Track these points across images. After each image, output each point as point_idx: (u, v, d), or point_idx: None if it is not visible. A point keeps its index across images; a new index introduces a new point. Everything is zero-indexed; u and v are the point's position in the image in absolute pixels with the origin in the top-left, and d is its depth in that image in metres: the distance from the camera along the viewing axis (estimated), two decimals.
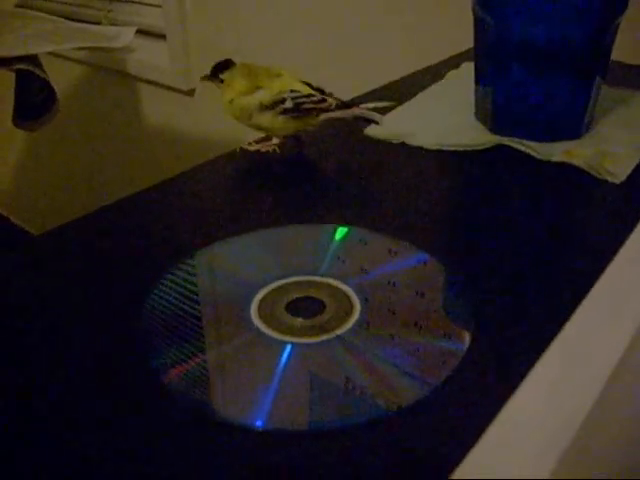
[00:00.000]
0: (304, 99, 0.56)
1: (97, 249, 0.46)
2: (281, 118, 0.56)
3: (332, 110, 0.57)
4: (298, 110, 0.56)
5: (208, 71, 0.59)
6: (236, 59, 0.58)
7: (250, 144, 0.59)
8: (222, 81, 0.58)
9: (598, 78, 0.59)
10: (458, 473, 0.24)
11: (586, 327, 0.32)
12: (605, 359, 0.29)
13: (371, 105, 0.57)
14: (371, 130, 0.63)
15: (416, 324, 0.38)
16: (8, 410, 0.33)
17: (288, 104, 0.56)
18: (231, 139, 1.31)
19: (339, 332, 0.37)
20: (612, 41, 0.59)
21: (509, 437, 0.26)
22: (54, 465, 0.30)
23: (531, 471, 0.24)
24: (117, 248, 0.46)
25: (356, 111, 0.57)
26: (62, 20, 1.07)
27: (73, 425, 0.32)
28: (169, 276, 0.43)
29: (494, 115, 0.62)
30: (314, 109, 0.56)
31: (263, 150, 0.59)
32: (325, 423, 0.32)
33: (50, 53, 1.04)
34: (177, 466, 0.30)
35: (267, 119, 0.56)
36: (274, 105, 0.56)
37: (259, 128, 0.58)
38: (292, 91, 0.56)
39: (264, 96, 0.56)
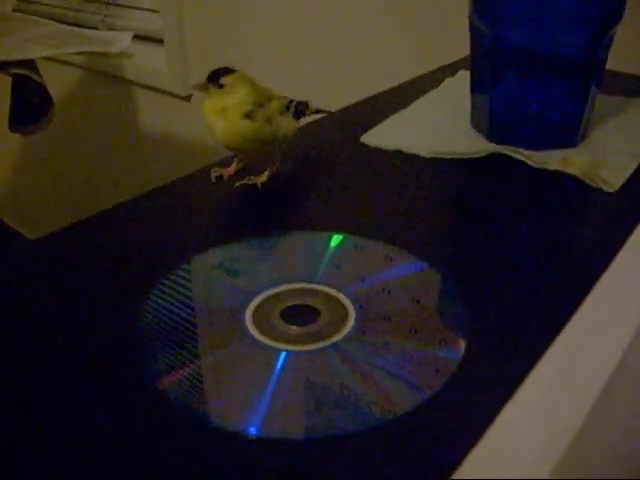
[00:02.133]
0: (296, 102, 0.57)
1: (93, 255, 0.46)
2: (294, 121, 0.57)
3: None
4: (298, 114, 0.57)
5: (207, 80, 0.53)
6: (234, 64, 0.55)
7: (250, 179, 0.55)
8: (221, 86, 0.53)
9: (594, 87, 0.59)
10: (459, 474, 0.24)
11: (583, 332, 0.32)
12: (603, 364, 0.30)
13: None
14: (367, 138, 0.63)
15: (412, 332, 0.38)
16: (5, 415, 0.33)
17: (292, 108, 0.56)
18: None
19: (334, 340, 0.37)
20: (608, 50, 0.59)
21: (509, 438, 0.26)
22: (50, 470, 0.30)
23: (530, 472, 0.24)
24: (112, 254, 0.46)
25: (312, 107, 0.60)
26: (59, 25, 1.07)
27: (69, 430, 0.32)
28: (165, 283, 0.43)
29: (490, 123, 0.62)
30: (303, 111, 0.58)
31: (271, 172, 0.56)
32: (320, 431, 0.32)
33: (47, 57, 1.04)
34: (171, 472, 0.30)
35: (290, 123, 0.56)
36: (287, 110, 0.55)
37: (269, 138, 0.54)
38: (283, 97, 0.56)
39: (278, 103, 0.54)
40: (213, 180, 0.56)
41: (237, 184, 0.55)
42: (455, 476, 0.24)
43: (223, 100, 0.53)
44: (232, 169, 0.57)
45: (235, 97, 0.52)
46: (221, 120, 0.52)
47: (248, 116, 0.52)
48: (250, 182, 0.55)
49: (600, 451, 0.31)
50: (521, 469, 0.25)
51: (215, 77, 0.52)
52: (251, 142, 0.53)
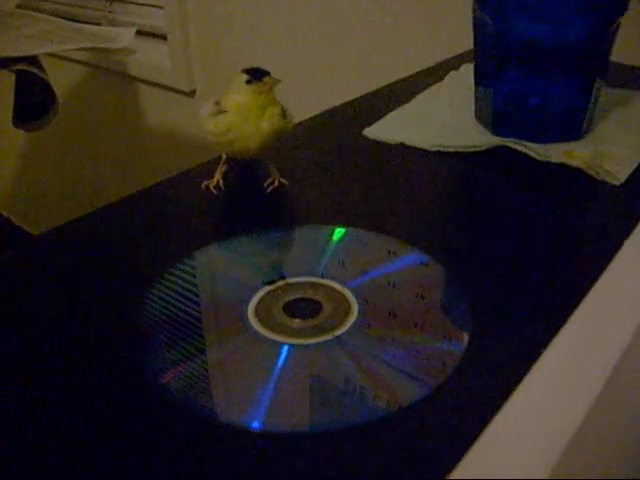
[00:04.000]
0: None
1: (95, 249, 0.46)
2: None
3: None
4: None
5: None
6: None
7: (271, 182, 0.53)
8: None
9: (598, 79, 0.59)
10: (456, 473, 0.24)
11: (585, 328, 0.32)
12: (604, 359, 0.29)
13: None
14: (370, 131, 0.63)
15: (415, 325, 0.38)
16: (5, 410, 0.33)
17: None
18: None
19: (337, 333, 0.37)
20: (612, 42, 0.59)
21: (508, 437, 0.26)
22: (50, 466, 0.30)
23: (530, 471, 0.24)
24: (115, 248, 0.46)
25: None
26: (62, 21, 1.07)
27: (70, 425, 0.32)
28: (167, 277, 0.42)
29: (494, 116, 0.61)
30: None
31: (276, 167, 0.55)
32: (323, 424, 0.32)
33: (50, 54, 1.04)
34: (173, 467, 0.29)
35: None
36: None
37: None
38: None
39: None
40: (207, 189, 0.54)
41: (268, 190, 0.53)
42: (452, 476, 0.24)
43: (266, 99, 0.50)
44: (218, 177, 0.54)
45: (272, 97, 0.51)
46: (263, 121, 0.50)
47: (284, 115, 0.51)
48: (278, 184, 0.53)
49: (602, 449, 0.30)
50: (519, 469, 0.24)
51: (260, 75, 0.50)
52: (274, 142, 0.52)
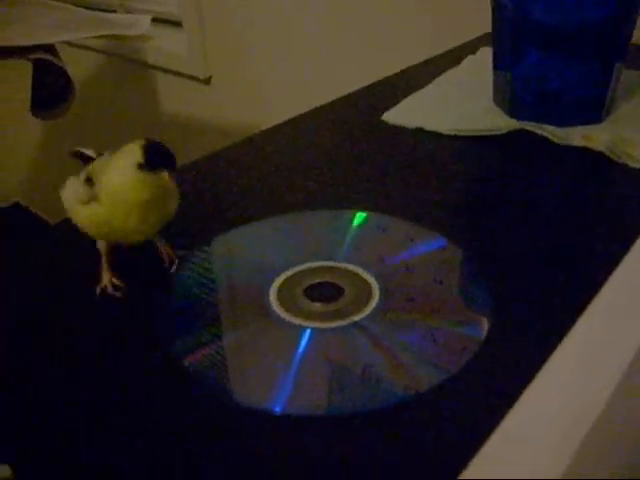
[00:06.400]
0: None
1: None
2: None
3: None
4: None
5: None
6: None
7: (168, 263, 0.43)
8: None
9: (618, 62, 0.58)
10: (468, 472, 0.24)
11: (604, 317, 0.32)
12: (622, 351, 0.29)
13: None
14: (388, 116, 0.63)
15: (435, 310, 0.38)
16: (28, 395, 0.33)
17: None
18: (248, 126, 1.31)
19: (358, 317, 0.37)
20: (633, 24, 0.58)
21: (522, 434, 0.25)
22: (72, 449, 0.30)
23: (545, 468, 0.24)
24: None
25: None
26: (78, 9, 1.07)
27: (94, 407, 0.32)
28: (189, 262, 0.43)
29: (512, 100, 0.61)
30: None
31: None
32: (343, 408, 0.32)
33: (67, 42, 1.04)
34: (195, 449, 0.30)
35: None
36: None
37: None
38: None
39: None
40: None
41: (172, 270, 0.42)
42: (463, 476, 0.24)
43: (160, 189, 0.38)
44: (107, 275, 0.41)
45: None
46: (151, 215, 0.39)
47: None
48: (174, 257, 0.43)
49: (616, 447, 0.30)
50: (533, 467, 0.24)
51: (158, 161, 0.37)
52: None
